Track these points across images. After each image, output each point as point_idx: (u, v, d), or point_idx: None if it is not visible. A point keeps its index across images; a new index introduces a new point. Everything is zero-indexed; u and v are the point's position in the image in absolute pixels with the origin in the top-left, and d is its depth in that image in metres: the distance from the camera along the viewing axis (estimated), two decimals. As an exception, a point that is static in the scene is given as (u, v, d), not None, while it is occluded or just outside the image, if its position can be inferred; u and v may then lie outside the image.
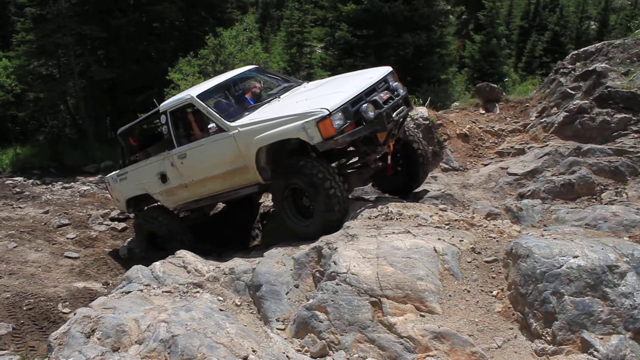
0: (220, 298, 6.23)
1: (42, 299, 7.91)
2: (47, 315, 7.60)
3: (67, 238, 10.24)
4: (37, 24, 20.32)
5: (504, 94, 10.74)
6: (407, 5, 16.89)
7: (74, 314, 6.19)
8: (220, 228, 9.51)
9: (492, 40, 20.53)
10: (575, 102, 8.50)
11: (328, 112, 6.35)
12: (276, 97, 7.76)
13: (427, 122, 9.37)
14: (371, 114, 6.60)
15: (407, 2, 17.00)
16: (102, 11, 21.12)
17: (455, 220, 6.18)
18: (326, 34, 19.14)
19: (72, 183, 14.82)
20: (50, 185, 14.54)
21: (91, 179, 15.43)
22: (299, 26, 23.04)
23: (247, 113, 7.49)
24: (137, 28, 20.98)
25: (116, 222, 10.96)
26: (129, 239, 10.10)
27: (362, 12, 17.06)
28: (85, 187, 14.17)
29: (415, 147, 7.75)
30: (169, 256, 7.40)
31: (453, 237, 5.65)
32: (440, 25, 17.94)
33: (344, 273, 5.27)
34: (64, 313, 7.63)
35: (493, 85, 10.73)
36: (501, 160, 8.66)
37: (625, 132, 7.76)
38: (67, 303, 7.90)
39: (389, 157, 7.39)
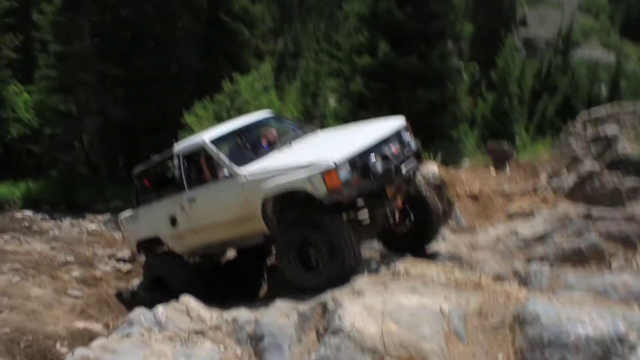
0: (222, 347, 6.15)
1: (41, 336, 7.83)
2: (44, 353, 7.51)
3: (71, 276, 10.21)
4: (60, 61, 20.81)
5: (515, 154, 10.81)
6: (421, 61, 17.22)
7: (72, 354, 6.14)
8: (229, 276, 9.44)
9: (504, 100, 20.80)
10: (585, 166, 8.53)
11: (334, 164, 6.29)
12: (288, 144, 7.82)
13: (437, 179, 9.39)
14: (379, 167, 6.54)
15: (422, 57, 17.35)
16: (124, 52, 21.66)
17: (463, 281, 6.13)
18: (340, 85, 19.48)
19: (81, 220, 14.90)
20: (58, 221, 14.61)
21: (100, 217, 15.50)
22: (315, 77, 23.48)
23: (257, 159, 7.53)
24: (156, 70, 21.46)
25: (121, 263, 10.94)
26: (133, 281, 10.05)
27: (377, 65, 17.41)
28: (93, 226, 14.23)
29: (427, 204, 7.63)
30: (173, 301, 7.35)
31: (460, 298, 5.59)
32: (453, 83, 18.23)
33: (348, 329, 5.21)
34: (62, 353, 7.54)
35: (504, 145, 10.81)
36: (510, 222, 8.62)
37: (635, 197, 7.76)
38: (66, 342, 7.80)
39: (398, 213, 7.35)
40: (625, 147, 8.64)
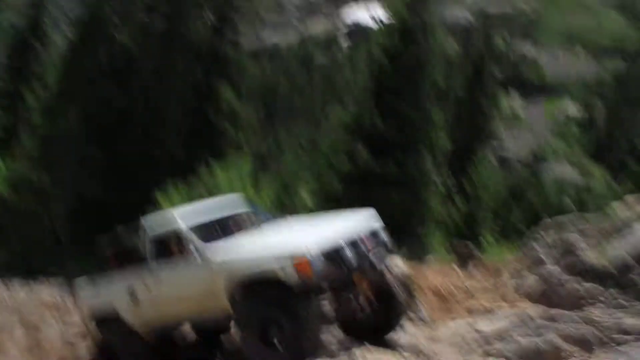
0: None
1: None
2: None
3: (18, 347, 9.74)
4: (44, 142, 21.05)
5: (479, 254, 10.97)
6: (396, 167, 17.89)
7: None
8: (183, 351, 9.13)
9: (472, 204, 21.39)
10: (546, 268, 8.69)
11: (309, 255, 6.39)
12: (257, 226, 7.89)
13: (401, 272, 9.42)
14: (352, 259, 6.68)
15: (398, 164, 18.02)
16: (108, 135, 22.02)
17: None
18: (315, 181, 19.93)
19: (34, 286, 14.21)
20: (10, 290, 13.94)
21: (55, 284, 14.84)
22: (292, 175, 23.95)
23: (225, 239, 7.55)
24: (139, 155, 21.74)
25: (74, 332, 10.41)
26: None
27: (356, 170, 17.98)
28: (47, 293, 13.57)
29: (394, 295, 7.67)
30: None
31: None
32: (426, 188, 18.76)
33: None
34: None
35: (469, 244, 11.00)
36: (471, 318, 8.61)
37: (593, 301, 7.85)
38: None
39: (362, 299, 7.36)
40: (587, 253, 8.84)
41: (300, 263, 6.34)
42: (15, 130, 25.36)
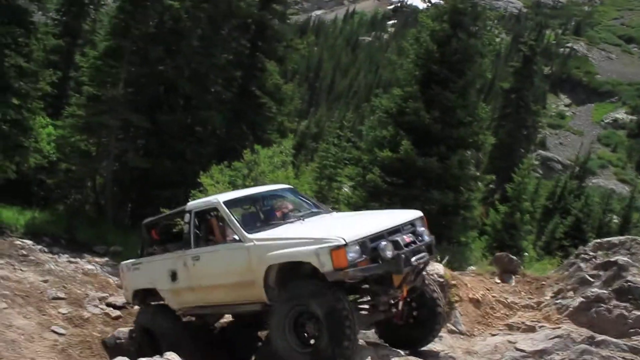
0: (199, 411, 5.95)
1: (15, 368, 7.63)
2: (16, 387, 7.27)
3: (59, 312, 10.02)
4: (90, 102, 21.41)
5: (522, 267, 10.74)
6: (440, 163, 17.46)
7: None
8: (220, 342, 9.23)
9: (515, 213, 20.88)
10: (593, 290, 8.44)
11: (344, 242, 6.26)
12: (300, 219, 7.84)
13: (442, 279, 9.30)
14: (389, 253, 6.47)
15: (441, 160, 17.60)
16: (152, 104, 22.25)
17: (457, 383, 5.96)
18: (358, 174, 19.70)
19: (79, 259, 14.75)
20: (56, 256, 14.49)
21: (98, 259, 15.38)
22: (334, 161, 23.75)
23: (267, 228, 7.54)
24: (180, 127, 21.94)
25: (111, 309, 10.71)
26: (120, 329, 9.82)
27: (396, 160, 17.65)
28: (89, 266, 14.07)
29: (434, 301, 7.48)
30: (157, 356, 7.17)
31: (452, 401, 5.42)
32: (468, 189, 18.38)
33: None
34: (34, 390, 7.30)
35: (512, 257, 10.75)
36: (510, 334, 8.43)
37: (641, 331, 7.63)
38: (40, 380, 7.58)
39: (401, 304, 7.24)
40: (636, 277, 8.56)
41: (334, 250, 6.22)
42: (64, 90, 25.87)
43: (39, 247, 15.14)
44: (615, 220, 32.42)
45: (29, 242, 15.36)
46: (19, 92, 19.60)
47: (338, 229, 6.77)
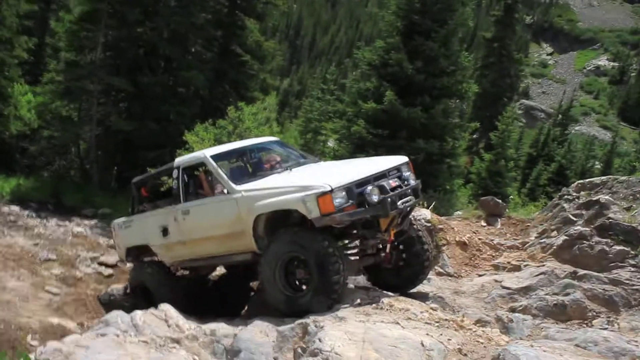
0: (196, 357, 6.11)
1: (12, 327, 7.75)
2: (13, 344, 7.40)
3: (51, 273, 10.14)
4: (69, 68, 21.06)
5: (507, 210, 10.93)
6: (424, 113, 17.51)
7: (44, 346, 6.07)
8: (213, 294, 9.38)
9: (500, 161, 21.12)
10: (576, 228, 8.62)
11: (330, 189, 6.33)
12: (288, 169, 7.90)
13: (429, 224, 9.47)
14: (375, 197, 6.54)
15: (425, 110, 17.65)
16: (133, 67, 21.94)
17: (445, 319, 6.15)
18: (342, 126, 19.71)
19: (67, 222, 14.81)
20: (44, 220, 14.52)
21: (87, 222, 15.41)
22: (318, 114, 23.69)
23: (254, 179, 7.60)
24: (162, 89, 21.71)
25: (104, 267, 10.87)
26: (113, 286, 9.95)
27: (381, 112, 17.66)
28: (79, 229, 14.14)
29: (422, 243, 7.61)
30: (152, 308, 7.30)
31: (441, 335, 5.60)
32: (453, 137, 18.50)
33: (328, 351, 5.20)
34: (32, 345, 7.42)
35: (498, 200, 10.93)
36: (496, 274, 8.65)
37: (622, 264, 7.82)
38: (38, 336, 7.72)
39: (389, 247, 7.37)
40: (617, 215, 8.76)
41: (321, 196, 6.29)
42: (42, 56, 25.40)
43: (27, 212, 15.15)
44: (598, 166, 32.91)
45: (16, 208, 15.38)
46: (-5, 59, 19.24)
47: (324, 176, 6.83)
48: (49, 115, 21.60)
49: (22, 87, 22.13)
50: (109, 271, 10.65)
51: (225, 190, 7.46)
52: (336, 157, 18.71)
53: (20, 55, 20.25)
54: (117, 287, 9.70)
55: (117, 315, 7.06)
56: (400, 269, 7.76)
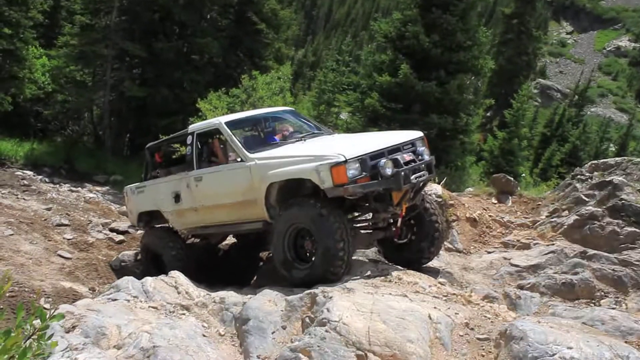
0: (205, 324, 6.19)
1: (26, 289, 7.87)
2: (27, 306, 7.51)
3: (64, 238, 10.24)
4: (84, 31, 21.01)
5: (518, 188, 10.88)
6: (439, 88, 17.36)
7: (56, 309, 6.16)
8: (223, 263, 9.47)
9: (513, 139, 20.97)
10: (587, 208, 8.59)
11: (344, 159, 6.31)
12: (302, 140, 7.89)
13: (440, 199, 9.46)
14: (388, 170, 6.53)
15: (440, 85, 17.50)
16: (148, 32, 21.84)
17: (453, 294, 6.18)
18: (356, 99, 19.61)
19: (80, 188, 14.92)
20: (57, 185, 14.64)
21: (99, 188, 15.54)
22: (332, 86, 23.52)
23: (268, 148, 7.60)
24: (176, 55, 21.62)
25: (115, 233, 10.96)
26: (124, 252, 10.07)
27: (395, 85, 17.54)
28: (91, 195, 14.25)
29: (434, 219, 7.58)
30: (162, 275, 7.40)
31: (449, 308, 5.64)
32: (467, 114, 18.37)
33: (336, 321, 5.24)
34: (45, 308, 7.54)
35: (509, 177, 10.88)
36: (505, 251, 8.66)
37: (633, 245, 7.80)
38: (50, 299, 7.83)
39: (400, 221, 7.38)
40: (630, 196, 8.70)
41: (334, 167, 6.27)
42: (57, 20, 25.30)
43: (40, 177, 15.28)
44: (612, 148, 32.56)
45: (30, 172, 15.50)
46: (10, 21, 19.12)
47: (339, 147, 6.80)
48: (63, 79, 21.61)
49: (37, 50, 22.09)
50: (120, 237, 10.74)
51: (239, 158, 7.47)
52: (349, 129, 18.66)
53: (36, 17, 20.13)
54: (128, 254, 9.82)
55: (128, 281, 7.16)
56: (411, 244, 7.78)
